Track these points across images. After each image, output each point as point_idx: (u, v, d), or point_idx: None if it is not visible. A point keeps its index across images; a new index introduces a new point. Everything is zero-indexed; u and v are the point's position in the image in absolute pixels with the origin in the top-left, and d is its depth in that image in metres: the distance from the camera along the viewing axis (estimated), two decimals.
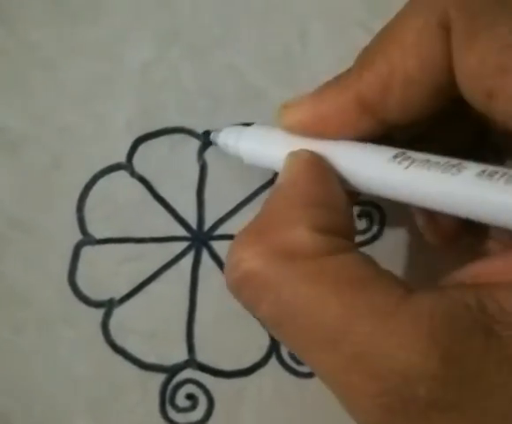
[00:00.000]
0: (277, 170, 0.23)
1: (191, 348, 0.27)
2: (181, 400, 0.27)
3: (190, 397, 0.27)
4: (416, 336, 0.16)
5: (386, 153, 0.21)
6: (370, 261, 0.19)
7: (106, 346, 0.27)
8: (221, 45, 0.29)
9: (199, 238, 0.28)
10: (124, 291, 0.27)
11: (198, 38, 0.28)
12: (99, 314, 0.27)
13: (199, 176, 0.28)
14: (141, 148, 0.28)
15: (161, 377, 0.27)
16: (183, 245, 0.28)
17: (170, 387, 0.27)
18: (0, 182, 0.27)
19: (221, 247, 0.28)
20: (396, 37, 0.20)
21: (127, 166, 0.28)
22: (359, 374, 0.17)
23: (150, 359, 0.27)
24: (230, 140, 0.26)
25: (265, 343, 0.28)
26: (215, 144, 0.27)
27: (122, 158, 0.28)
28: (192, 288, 0.28)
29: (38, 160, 0.27)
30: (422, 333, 0.16)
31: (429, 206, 0.20)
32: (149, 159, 0.28)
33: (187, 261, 0.28)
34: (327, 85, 0.22)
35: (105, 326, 0.27)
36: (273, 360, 0.27)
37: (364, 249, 0.29)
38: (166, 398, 0.27)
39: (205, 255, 0.28)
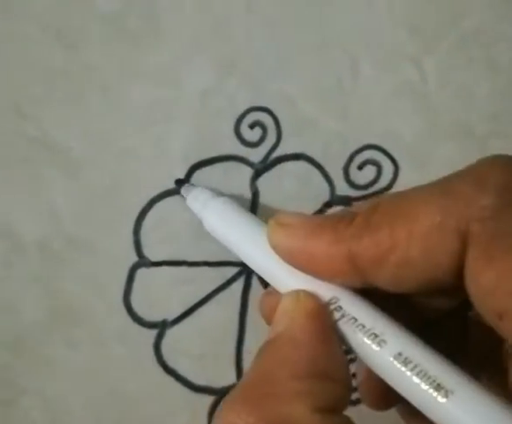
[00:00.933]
0: (236, 253, 0.24)
1: (239, 371, 0.28)
2: None
3: None
4: None
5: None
6: None
7: (157, 367, 0.28)
8: (274, 75, 0.29)
9: None
10: (177, 313, 0.28)
11: (253, 67, 0.29)
12: (152, 334, 0.28)
13: (251, 202, 0.29)
14: (197, 174, 0.29)
15: (210, 399, 0.28)
16: (234, 270, 0.28)
17: (219, 409, 0.28)
18: (61, 202, 0.28)
19: None
20: (408, 218, 0.19)
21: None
22: None
23: (200, 381, 0.28)
24: (197, 204, 0.26)
25: None
26: (182, 196, 0.27)
27: None
28: (242, 312, 0.28)
29: (98, 182, 0.28)
30: None
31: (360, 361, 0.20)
32: (204, 185, 0.29)
33: (238, 286, 0.28)
34: (324, 227, 0.21)
35: (157, 347, 0.28)
36: None
37: None
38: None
39: (255, 281, 0.29)
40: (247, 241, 0.24)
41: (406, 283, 0.20)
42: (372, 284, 0.20)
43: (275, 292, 0.23)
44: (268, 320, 0.23)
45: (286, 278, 0.22)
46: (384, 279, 0.20)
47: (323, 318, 0.20)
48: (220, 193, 0.27)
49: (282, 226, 0.21)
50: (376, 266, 0.20)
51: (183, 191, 0.27)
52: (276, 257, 0.22)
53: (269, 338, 0.20)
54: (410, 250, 0.19)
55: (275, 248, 0.22)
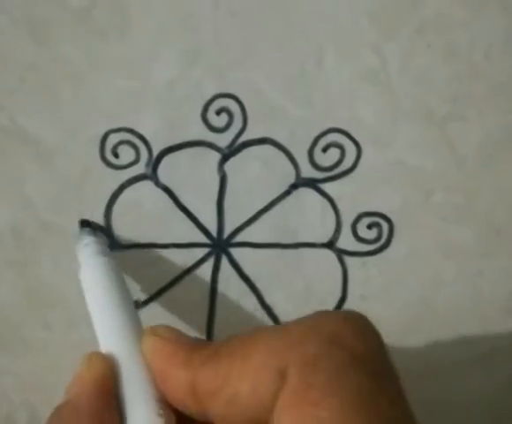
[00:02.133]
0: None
1: None
2: None
3: None
4: None
5: None
6: None
7: None
8: (240, 64, 0.30)
9: (219, 245, 0.30)
10: (148, 294, 0.29)
11: (219, 56, 0.30)
12: None
13: (220, 186, 0.30)
14: (165, 160, 0.30)
15: None
16: (203, 251, 0.29)
17: None
18: (35, 189, 0.29)
19: (239, 254, 0.30)
20: (245, 356, 0.20)
21: (152, 176, 0.29)
22: None
23: None
24: (79, 255, 0.27)
25: None
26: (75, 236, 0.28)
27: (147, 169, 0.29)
28: (212, 292, 0.29)
29: (69, 169, 0.29)
30: None
31: None
32: (173, 170, 0.30)
33: (208, 267, 0.29)
34: (183, 349, 0.22)
35: None
36: None
37: (372, 258, 0.31)
38: None
39: (224, 261, 0.30)
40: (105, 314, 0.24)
41: (235, 419, 0.20)
42: (208, 418, 0.21)
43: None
44: None
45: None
46: (217, 412, 0.21)
47: (109, 386, 0.22)
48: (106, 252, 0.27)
49: (154, 336, 0.22)
50: (212, 397, 0.20)
51: (80, 232, 0.28)
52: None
53: (59, 404, 0.22)
54: (240, 385, 0.20)
55: (144, 354, 0.22)
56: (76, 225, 0.29)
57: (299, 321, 0.21)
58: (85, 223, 0.29)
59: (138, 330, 0.23)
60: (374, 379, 0.19)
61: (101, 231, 0.29)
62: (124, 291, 0.25)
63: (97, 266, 0.25)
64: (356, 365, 0.19)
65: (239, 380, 0.20)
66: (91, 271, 0.25)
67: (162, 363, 0.22)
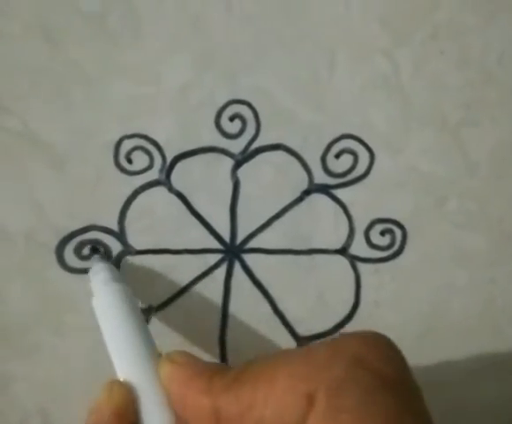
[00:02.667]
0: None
1: (223, 355, 0.29)
2: None
3: None
4: None
5: None
6: None
7: None
8: (253, 69, 0.30)
9: (232, 251, 0.29)
10: (162, 299, 0.29)
11: (232, 62, 0.30)
12: None
13: (233, 192, 0.30)
14: (179, 166, 0.30)
15: None
16: (216, 257, 0.29)
17: None
18: (46, 195, 0.29)
19: (252, 260, 0.30)
20: (269, 380, 0.20)
21: (165, 182, 0.29)
22: None
23: None
24: (92, 283, 0.27)
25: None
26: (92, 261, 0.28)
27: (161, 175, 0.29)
28: (225, 298, 0.29)
29: (82, 175, 0.29)
30: None
31: None
32: (186, 176, 0.29)
33: (221, 273, 0.29)
34: (202, 375, 0.22)
35: None
36: None
37: (385, 265, 0.30)
38: None
39: (237, 267, 0.30)
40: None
41: None
42: None
43: None
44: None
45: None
46: None
47: (129, 415, 0.22)
48: (118, 277, 0.27)
49: (171, 363, 0.23)
50: (236, 422, 0.21)
51: (91, 260, 0.28)
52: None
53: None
54: (266, 410, 0.20)
55: (162, 381, 0.23)
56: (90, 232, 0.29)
57: (323, 344, 0.21)
58: (95, 250, 0.28)
59: (154, 356, 0.24)
60: (400, 400, 0.19)
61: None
62: (137, 316, 0.25)
63: (110, 293, 0.25)
64: (382, 387, 0.19)
65: (265, 405, 0.20)
66: (104, 299, 0.25)
67: (182, 389, 0.22)
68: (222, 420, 0.21)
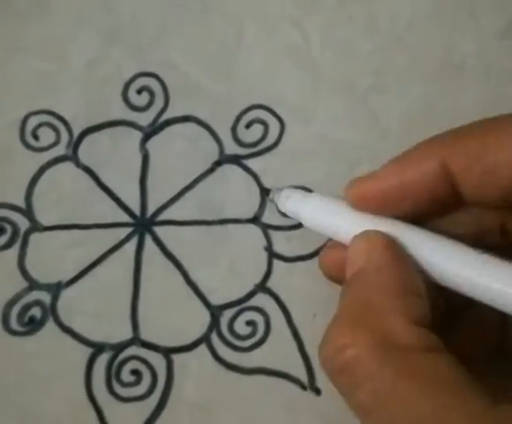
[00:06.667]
0: (340, 240, 0.24)
1: (135, 327, 0.29)
2: (126, 376, 0.29)
3: (134, 372, 0.29)
4: None
5: (469, 250, 0.22)
6: (460, 365, 0.19)
7: (55, 326, 0.29)
8: (159, 43, 0.30)
9: (143, 224, 0.30)
10: (71, 274, 0.29)
11: (138, 36, 0.30)
12: (47, 296, 0.29)
13: (142, 165, 0.30)
14: (86, 141, 0.30)
15: (107, 355, 0.29)
16: (127, 230, 0.30)
17: (116, 363, 0.29)
18: None
19: (164, 232, 0.30)
20: (499, 130, 0.21)
21: (73, 157, 0.29)
22: None
23: (96, 337, 0.29)
24: (291, 204, 0.26)
25: (205, 320, 0.29)
26: (271, 201, 0.27)
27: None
28: (136, 271, 0.29)
29: None
30: None
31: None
32: (94, 150, 0.30)
33: (131, 246, 0.30)
34: (408, 152, 0.23)
35: (53, 307, 0.29)
36: (213, 336, 0.29)
37: (297, 232, 0.31)
38: (112, 374, 0.29)
39: (148, 240, 0.30)
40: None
41: (491, 190, 0.21)
42: (457, 196, 0.22)
43: (339, 246, 0.24)
44: (331, 271, 0.24)
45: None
46: (471, 187, 0.21)
47: (397, 249, 0.22)
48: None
49: (360, 179, 0.23)
50: (465, 172, 0.21)
51: (272, 195, 0.27)
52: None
53: (351, 275, 0.22)
54: (498, 157, 0.20)
55: (357, 200, 0.23)
56: None
57: None
58: (266, 190, 0.28)
59: None
60: None
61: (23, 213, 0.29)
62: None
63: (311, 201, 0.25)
64: None
65: (497, 152, 0.20)
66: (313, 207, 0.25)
67: (400, 171, 0.22)
68: (451, 174, 0.21)
